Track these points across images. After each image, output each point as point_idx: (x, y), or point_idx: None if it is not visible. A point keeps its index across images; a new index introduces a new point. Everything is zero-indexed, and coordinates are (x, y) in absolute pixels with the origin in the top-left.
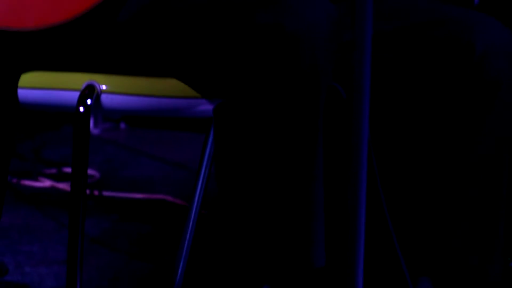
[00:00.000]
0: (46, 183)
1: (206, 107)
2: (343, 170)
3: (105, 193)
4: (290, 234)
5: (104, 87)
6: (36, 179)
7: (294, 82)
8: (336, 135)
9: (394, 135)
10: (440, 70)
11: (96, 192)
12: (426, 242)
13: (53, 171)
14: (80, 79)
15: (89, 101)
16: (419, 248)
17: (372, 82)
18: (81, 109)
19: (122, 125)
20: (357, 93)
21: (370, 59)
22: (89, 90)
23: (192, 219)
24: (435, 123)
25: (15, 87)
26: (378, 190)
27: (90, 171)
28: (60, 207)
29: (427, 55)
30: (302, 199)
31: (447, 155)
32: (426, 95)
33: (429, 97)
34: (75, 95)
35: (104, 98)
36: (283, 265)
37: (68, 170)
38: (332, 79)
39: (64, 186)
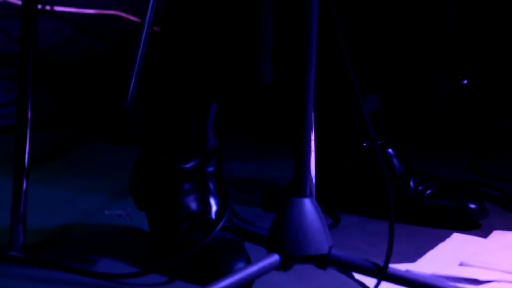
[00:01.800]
0: None
1: None
2: None
3: (57, 8)
4: (238, 51)
5: None
6: None
7: None
8: None
9: None
10: None
11: (48, 7)
12: (376, 61)
13: None
14: None
15: None
16: (368, 66)
17: None
18: None
19: None
20: None
21: None
22: None
23: (144, 35)
24: None
25: None
26: (331, 11)
27: None
28: (12, 21)
29: None
30: (250, 16)
31: None
32: None
33: None
34: None
35: None
36: (231, 81)
37: None
38: None
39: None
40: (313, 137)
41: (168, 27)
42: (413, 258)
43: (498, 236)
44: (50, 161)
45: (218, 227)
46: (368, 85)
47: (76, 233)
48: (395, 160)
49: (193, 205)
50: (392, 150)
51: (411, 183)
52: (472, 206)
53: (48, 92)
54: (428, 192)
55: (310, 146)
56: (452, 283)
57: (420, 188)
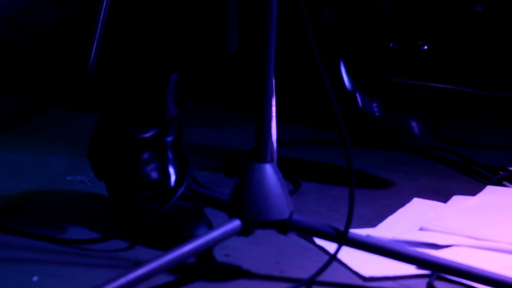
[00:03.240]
0: None
1: None
2: None
3: None
4: (203, 19)
5: None
6: None
7: None
8: None
9: None
10: None
11: None
12: None
13: None
14: None
15: None
16: None
17: None
18: None
19: None
20: None
21: None
22: None
23: (105, 1)
24: None
25: None
26: None
27: None
28: None
29: None
30: None
31: None
32: None
33: None
34: None
35: None
36: (194, 51)
37: None
38: None
39: None
40: (274, 103)
41: None
42: (373, 223)
43: (458, 201)
44: (12, 127)
45: (177, 195)
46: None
47: (38, 199)
48: (345, 76)
49: (153, 174)
50: (344, 65)
51: (358, 98)
52: (416, 132)
53: (10, 58)
54: (374, 106)
55: (271, 112)
56: (412, 248)
57: (365, 100)
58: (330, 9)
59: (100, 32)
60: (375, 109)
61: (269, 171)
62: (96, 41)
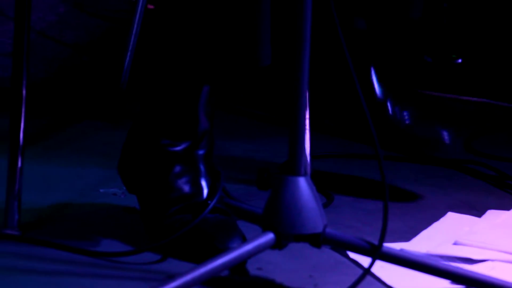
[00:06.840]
0: None
1: None
2: None
3: None
4: (236, 32)
5: None
6: None
7: None
8: None
9: None
10: None
11: None
12: None
13: None
14: None
15: None
16: None
17: None
18: None
19: None
20: None
21: None
22: None
23: (138, 12)
24: None
25: None
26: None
27: None
28: None
29: None
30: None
31: None
32: None
33: None
34: None
35: None
36: (226, 65)
37: None
38: None
39: None
40: (307, 116)
41: (161, 8)
42: (407, 237)
43: (492, 215)
44: (45, 139)
45: (209, 207)
46: (355, 8)
47: (71, 211)
48: (376, 84)
49: (185, 187)
50: (375, 73)
51: (389, 106)
52: (446, 140)
53: (43, 70)
54: (405, 114)
55: (304, 125)
56: (446, 262)
57: (396, 109)
58: (362, 17)
59: (133, 44)
60: (406, 117)
61: (303, 184)
62: (129, 52)
